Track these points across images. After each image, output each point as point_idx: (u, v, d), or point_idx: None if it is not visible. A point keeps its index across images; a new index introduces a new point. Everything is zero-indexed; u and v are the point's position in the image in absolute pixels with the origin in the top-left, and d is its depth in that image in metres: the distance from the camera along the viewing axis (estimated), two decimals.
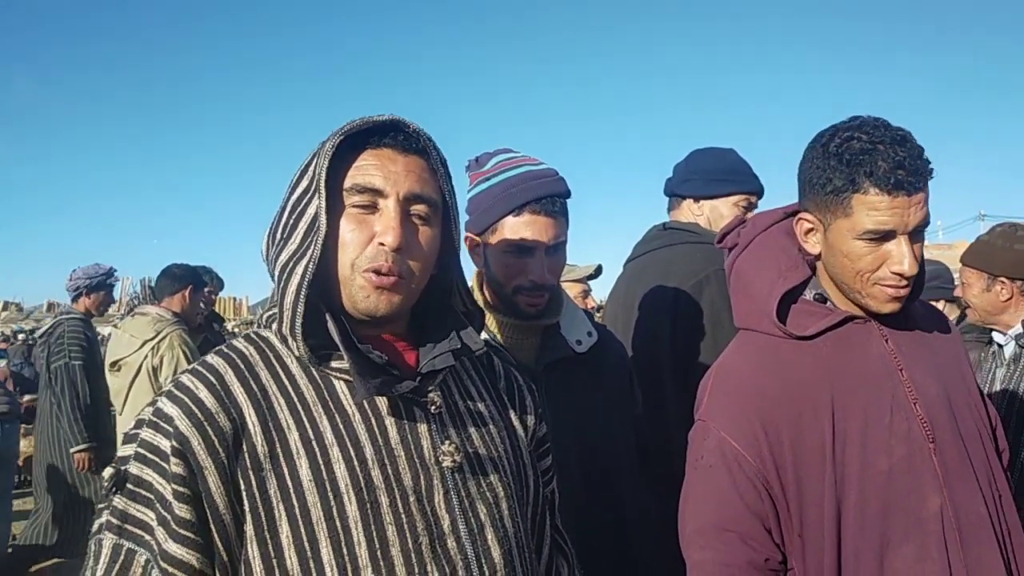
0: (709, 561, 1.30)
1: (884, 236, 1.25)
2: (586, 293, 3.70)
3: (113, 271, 4.70)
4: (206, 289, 4.29)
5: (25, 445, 6.98)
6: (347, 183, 1.05)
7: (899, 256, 1.25)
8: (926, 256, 1.37)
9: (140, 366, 3.72)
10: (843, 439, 1.29)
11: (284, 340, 1.08)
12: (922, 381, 1.34)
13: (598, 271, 3.58)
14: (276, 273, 1.08)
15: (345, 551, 0.97)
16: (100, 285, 4.63)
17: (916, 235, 1.27)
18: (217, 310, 5.81)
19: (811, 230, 1.35)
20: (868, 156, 1.23)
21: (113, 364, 3.82)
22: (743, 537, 1.29)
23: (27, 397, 9.88)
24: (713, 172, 2.35)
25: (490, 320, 1.68)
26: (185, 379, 1.03)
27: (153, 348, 3.73)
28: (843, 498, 1.28)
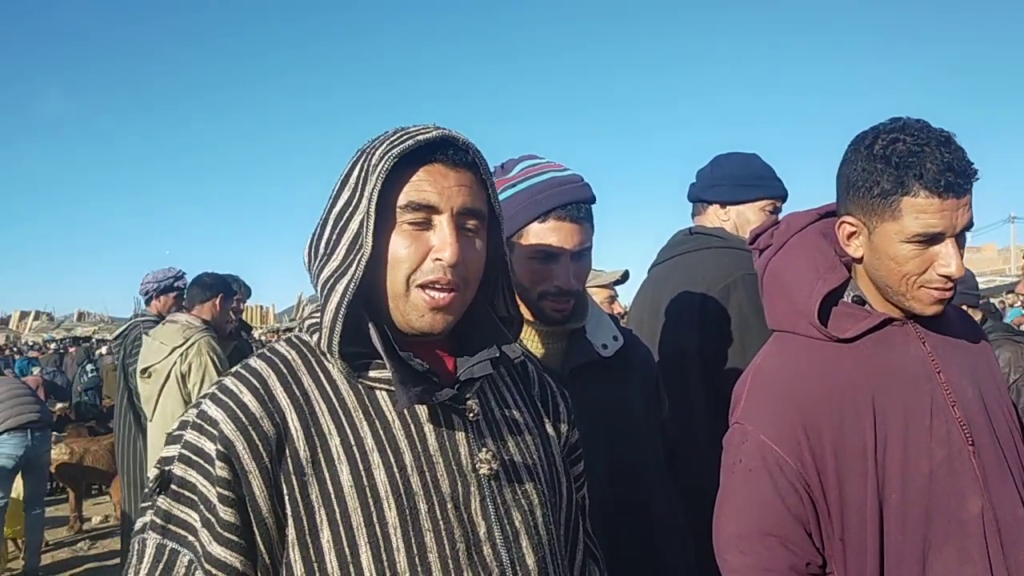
0: (750, 566, 1.30)
1: (932, 239, 1.24)
2: (613, 298, 3.70)
3: (182, 274, 4.81)
4: (235, 298, 4.34)
5: (56, 453, 7.12)
6: (402, 200, 1.04)
7: (947, 258, 1.24)
8: None
9: (169, 373, 3.75)
10: (884, 442, 1.28)
11: (324, 351, 1.09)
12: (959, 383, 1.33)
13: (625, 276, 3.57)
14: (318, 289, 1.08)
15: (384, 556, 0.98)
16: (168, 288, 4.73)
17: (961, 237, 1.26)
18: (244, 318, 5.88)
19: (854, 233, 1.34)
20: (916, 158, 1.21)
21: (144, 371, 3.87)
22: (784, 542, 1.28)
23: (59, 405, 10.07)
24: (740, 178, 2.36)
25: None
26: (229, 382, 1.04)
27: (182, 355, 3.76)
28: (885, 501, 1.27)
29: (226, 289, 4.19)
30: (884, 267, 1.30)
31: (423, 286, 1.05)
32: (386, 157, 1.03)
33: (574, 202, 1.60)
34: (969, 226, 1.25)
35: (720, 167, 2.41)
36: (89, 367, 13.10)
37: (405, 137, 1.05)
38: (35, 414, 5.87)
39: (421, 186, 1.05)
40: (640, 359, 1.84)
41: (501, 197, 1.69)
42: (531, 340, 1.69)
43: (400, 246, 1.05)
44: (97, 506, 8.50)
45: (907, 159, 1.22)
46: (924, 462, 1.27)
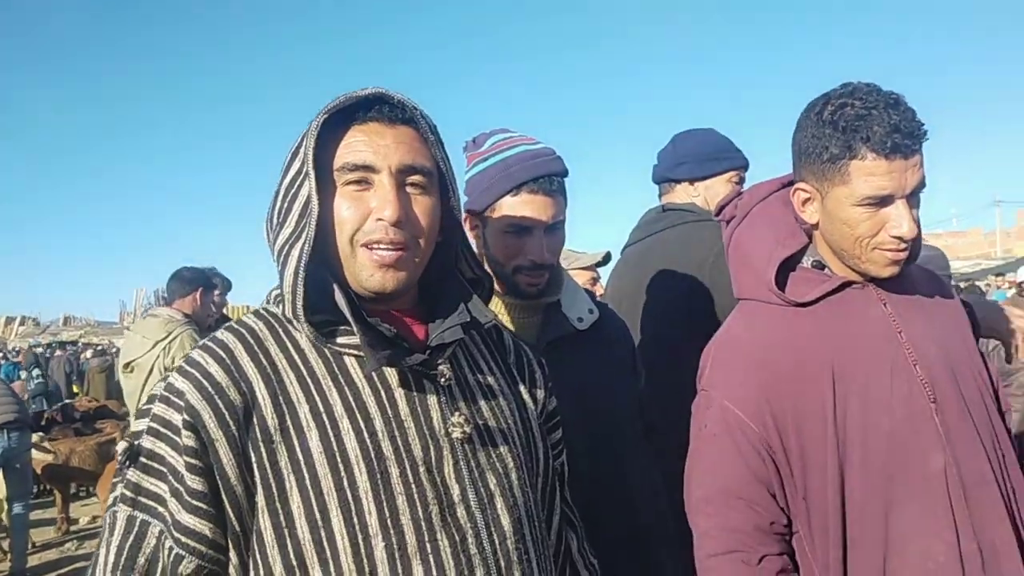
0: (716, 527, 1.32)
1: (882, 201, 1.25)
2: (595, 280, 3.69)
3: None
4: (215, 291, 4.34)
5: (41, 455, 7.08)
6: (337, 162, 1.05)
7: (898, 220, 1.25)
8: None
9: (152, 366, 3.76)
10: (844, 402, 1.30)
11: (290, 320, 1.09)
12: (921, 343, 1.35)
13: (607, 258, 3.55)
14: (275, 257, 1.09)
15: (356, 520, 0.98)
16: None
17: (913, 198, 1.27)
18: (232, 316, 5.88)
19: (808, 200, 1.36)
20: (863, 122, 1.23)
21: (126, 365, 3.86)
22: (749, 503, 1.30)
23: (48, 409, 10.03)
24: (705, 153, 2.37)
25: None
26: (196, 355, 1.05)
27: (164, 348, 3.77)
28: (845, 460, 1.29)
29: (206, 282, 4.20)
30: (837, 231, 1.32)
31: (367, 245, 1.05)
32: (317, 117, 1.04)
33: (546, 175, 1.60)
34: (921, 186, 1.26)
35: (682, 145, 2.42)
36: (36, 372, 12.82)
37: (341, 98, 1.06)
38: (11, 414, 5.88)
39: (355, 146, 1.05)
40: (616, 332, 1.84)
41: (473, 171, 1.69)
42: (506, 314, 1.69)
43: (342, 208, 1.05)
44: (85, 507, 8.46)
45: (854, 123, 1.23)
46: (884, 421, 1.29)
